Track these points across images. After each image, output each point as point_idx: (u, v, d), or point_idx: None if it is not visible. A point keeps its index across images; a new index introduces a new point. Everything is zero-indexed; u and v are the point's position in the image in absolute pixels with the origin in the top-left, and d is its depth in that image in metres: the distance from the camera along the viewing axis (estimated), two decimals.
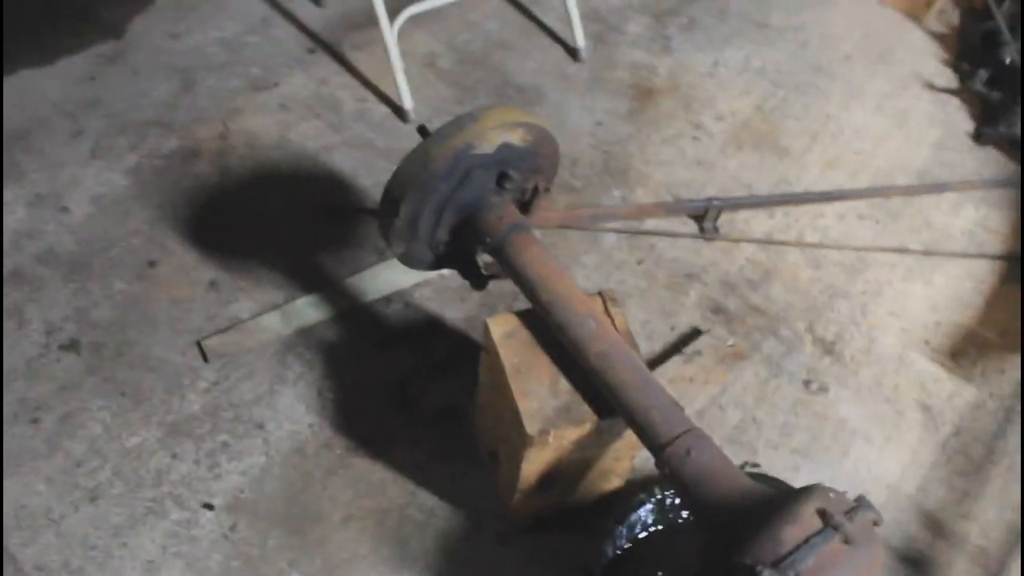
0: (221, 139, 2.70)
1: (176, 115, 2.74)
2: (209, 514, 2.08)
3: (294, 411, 2.23)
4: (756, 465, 2.22)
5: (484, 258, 2.12)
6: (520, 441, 1.79)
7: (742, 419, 2.32)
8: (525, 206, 2.04)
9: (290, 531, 2.07)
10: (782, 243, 2.67)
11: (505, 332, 1.87)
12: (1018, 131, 2.96)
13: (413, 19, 2.78)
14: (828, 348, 2.48)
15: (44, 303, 2.34)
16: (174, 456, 2.15)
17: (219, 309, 2.38)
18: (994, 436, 2.36)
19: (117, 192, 2.56)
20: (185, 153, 2.66)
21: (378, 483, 2.15)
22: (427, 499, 2.13)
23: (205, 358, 2.29)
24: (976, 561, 2.16)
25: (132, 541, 2.03)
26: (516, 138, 1.94)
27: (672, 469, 1.66)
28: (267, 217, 2.56)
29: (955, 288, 2.65)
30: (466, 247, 2.05)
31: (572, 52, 3.03)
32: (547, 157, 2.05)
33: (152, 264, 2.44)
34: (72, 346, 2.29)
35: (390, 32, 2.70)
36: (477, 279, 2.09)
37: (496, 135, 1.91)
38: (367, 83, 2.89)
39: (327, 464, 2.16)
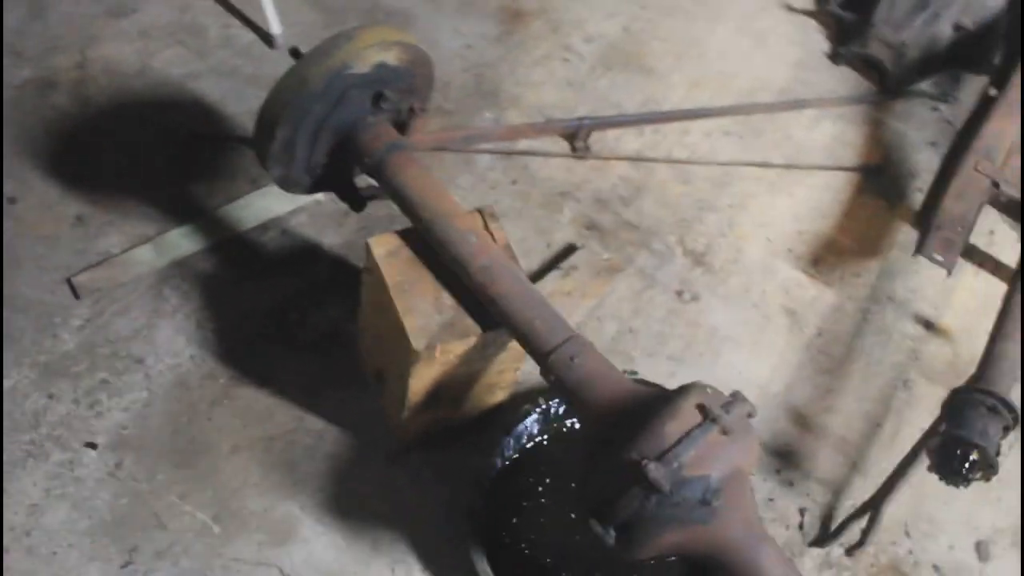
0: (79, 68, 2.59)
1: (27, 43, 2.60)
2: (92, 453, 2.04)
3: (174, 344, 2.20)
4: (634, 373, 2.30)
5: (365, 178, 2.11)
6: (407, 358, 1.81)
7: (619, 330, 2.40)
8: (401, 127, 2.04)
9: (178, 464, 2.05)
10: (652, 160, 2.74)
11: (387, 251, 1.88)
12: (869, 50, 3.08)
13: None
14: (698, 259, 2.57)
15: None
16: (51, 397, 2.09)
17: (87, 244, 2.30)
18: (853, 335, 2.51)
19: None
20: (40, 83, 2.54)
21: (264, 411, 2.14)
22: (315, 423, 2.14)
23: (76, 295, 2.22)
24: (839, 449, 2.31)
25: (12, 486, 1.98)
26: (392, 57, 1.93)
27: (557, 376, 1.71)
28: (133, 148, 2.48)
29: (815, 199, 2.78)
30: (344, 169, 2.05)
31: None
32: (422, 77, 2.05)
33: (12, 201, 2.34)
34: None
35: None
36: (356, 201, 2.09)
37: (372, 55, 1.89)
38: (231, 8, 2.80)
39: (211, 395, 2.14)
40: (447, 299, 1.84)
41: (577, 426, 2.13)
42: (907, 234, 2.72)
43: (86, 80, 2.57)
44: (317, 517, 2.02)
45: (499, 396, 2.12)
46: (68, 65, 2.59)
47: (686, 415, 1.55)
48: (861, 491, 2.20)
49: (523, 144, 2.65)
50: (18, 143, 2.42)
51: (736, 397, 1.60)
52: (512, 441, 2.08)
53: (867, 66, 3.14)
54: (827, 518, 2.21)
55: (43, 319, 2.18)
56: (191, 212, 2.38)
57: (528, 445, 2.12)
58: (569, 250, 2.49)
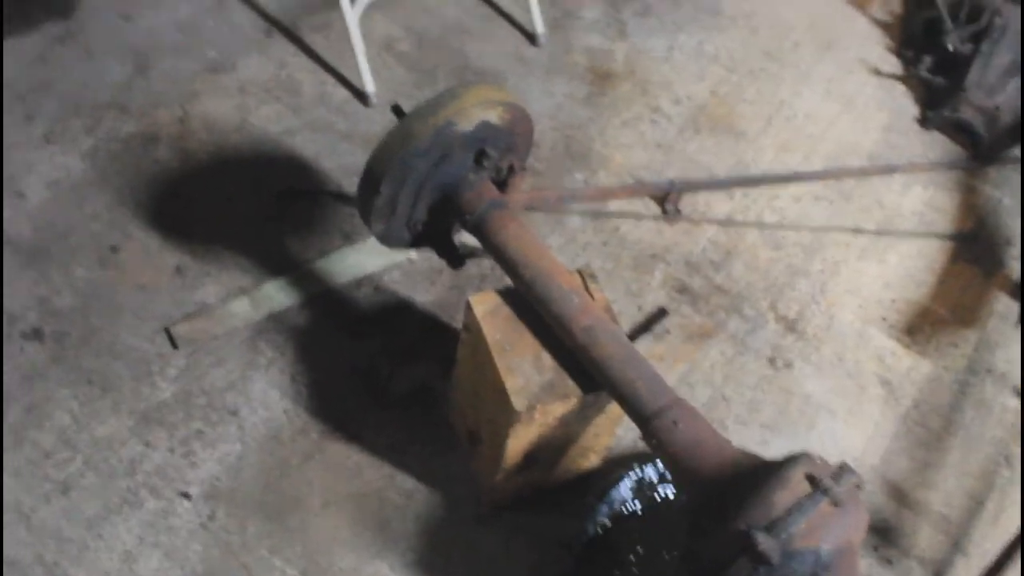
0: (180, 123, 2.65)
1: (132, 98, 2.67)
2: (186, 503, 2.05)
3: (267, 397, 2.21)
4: (728, 441, 2.26)
5: (461, 237, 2.13)
6: (506, 418, 1.80)
7: (711, 396, 2.36)
8: (501, 185, 2.05)
9: (269, 518, 2.05)
10: (742, 224, 2.72)
11: (487, 310, 1.88)
12: (961, 115, 3.05)
13: (372, 2, 2.75)
14: (790, 325, 2.53)
15: (3, 292, 2.28)
16: (147, 445, 2.11)
17: (186, 295, 2.34)
18: (951, 408, 2.45)
19: (74, 177, 2.50)
20: (143, 137, 2.60)
21: (355, 467, 2.14)
22: (405, 481, 2.13)
23: (174, 344, 2.25)
24: (939, 527, 2.24)
25: (107, 532, 1.99)
26: (495, 116, 1.95)
27: (660, 440, 1.69)
28: (231, 201, 2.52)
29: (907, 266, 2.73)
30: (444, 226, 2.06)
31: (530, 37, 3.04)
32: (523, 136, 2.06)
33: (114, 250, 2.39)
34: (35, 335, 2.23)
35: (352, 15, 2.68)
36: (454, 258, 2.09)
37: (476, 113, 1.91)
38: (326, 66, 2.86)
39: (303, 449, 2.15)
40: (547, 359, 1.83)
41: (671, 495, 2.10)
42: (1005, 304, 2.66)
43: (187, 134, 2.63)
44: None
45: (593, 460, 2.10)
46: (170, 120, 2.65)
47: (795, 485, 1.51)
48: (964, 573, 2.12)
49: (613, 205, 2.65)
50: (121, 195, 2.48)
51: (844, 468, 1.56)
52: (605, 507, 2.05)
53: (958, 131, 3.09)
54: None
55: (141, 367, 2.22)
56: (286, 265, 2.41)
57: (621, 512, 2.08)
58: (660, 314, 2.47)
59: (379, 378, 2.27)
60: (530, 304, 1.87)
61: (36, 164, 2.50)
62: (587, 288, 1.91)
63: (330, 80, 2.84)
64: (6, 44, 2.73)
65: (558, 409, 1.81)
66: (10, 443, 2.07)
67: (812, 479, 1.51)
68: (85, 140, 2.57)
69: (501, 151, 2.01)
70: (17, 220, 2.39)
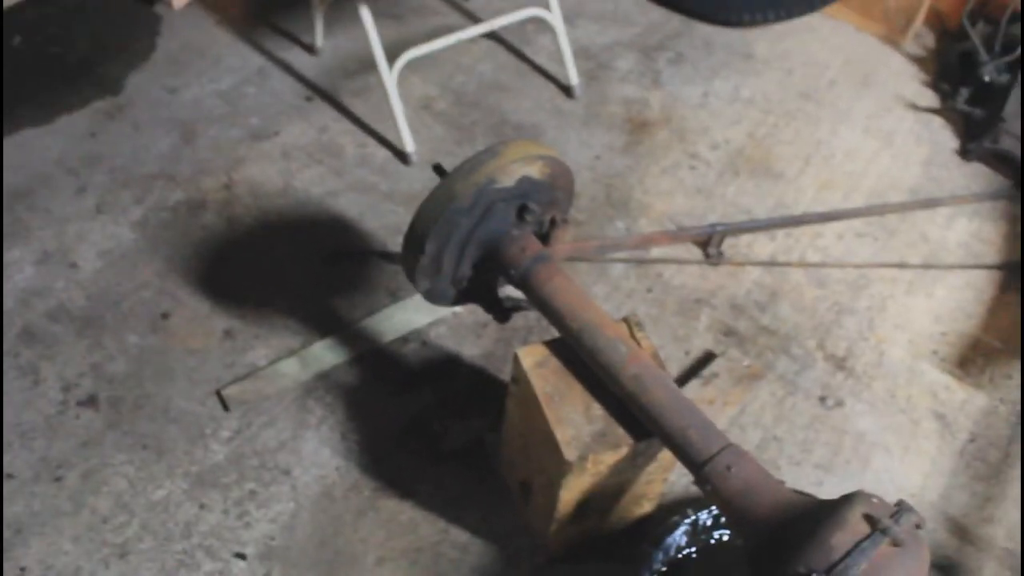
0: (226, 189, 2.71)
1: (179, 167, 2.75)
2: (242, 563, 2.06)
3: (319, 455, 2.23)
4: (782, 482, 2.23)
5: (505, 291, 2.14)
6: (558, 469, 1.80)
7: (763, 438, 2.34)
8: (544, 238, 2.06)
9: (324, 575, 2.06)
10: (786, 264, 2.71)
11: (535, 361, 1.89)
12: (1001, 145, 3.03)
13: (408, 64, 2.81)
14: (840, 364, 2.51)
15: (59, 360, 2.33)
16: (202, 507, 2.13)
17: (236, 357, 2.38)
18: (1009, 440, 2.40)
19: (125, 246, 2.56)
20: (191, 204, 2.67)
21: (409, 522, 2.14)
22: (459, 536, 2.13)
23: (226, 407, 2.28)
24: (1005, 564, 2.19)
25: None
26: (535, 171, 1.97)
27: (714, 486, 1.67)
28: (277, 264, 2.57)
29: (956, 299, 2.70)
30: (488, 281, 2.08)
31: (566, 89, 3.08)
32: (563, 189, 2.08)
33: (165, 316, 2.44)
34: (90, 402, 2.27)
35: (390, 77, 2.73)
36: (500, 312, 2.11)
37: (516, 169, 1.94)
38: (366, 128, 2.92)
39: (356, 506, 2.16)
40: (597, 409, 1.83)
41: (726, 538, 2.08)
42: None
43: (233, 200, 2.69)
44: None
45: (646, 507, 2.08)
46: (216, 186, 2.72)
47: (853, 526, 1.49)
48: None
49: (656, 252, 2.66)
50: (171, 261, 2.54)
51: (903, 507, 1.54)
52: (661, 554, 2.03)
53: (999, 161, 3.07)
54: None
55: (194, 430, 2.25)
56: (333, 325, 2.44)
57: (676, 558, 2.06)
58: (708, 358, 2.46)
59: (430, 433, 2.28)
60: (578, 354, 1.88)
61: (88, 235, 2.57)
62: (634, 336, 1.91)
63: (371, 141, 2.89)
64: (59, 122, 2.82)
65: (610, 458, 1.80)
66: (69, 509, 2.10)
67: (870, 519, 1.50)
68: (135, 210, 2.64)
69: (543, 204, 2.03)
70: (71, 290, 2.46)
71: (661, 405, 1.74)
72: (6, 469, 2.14)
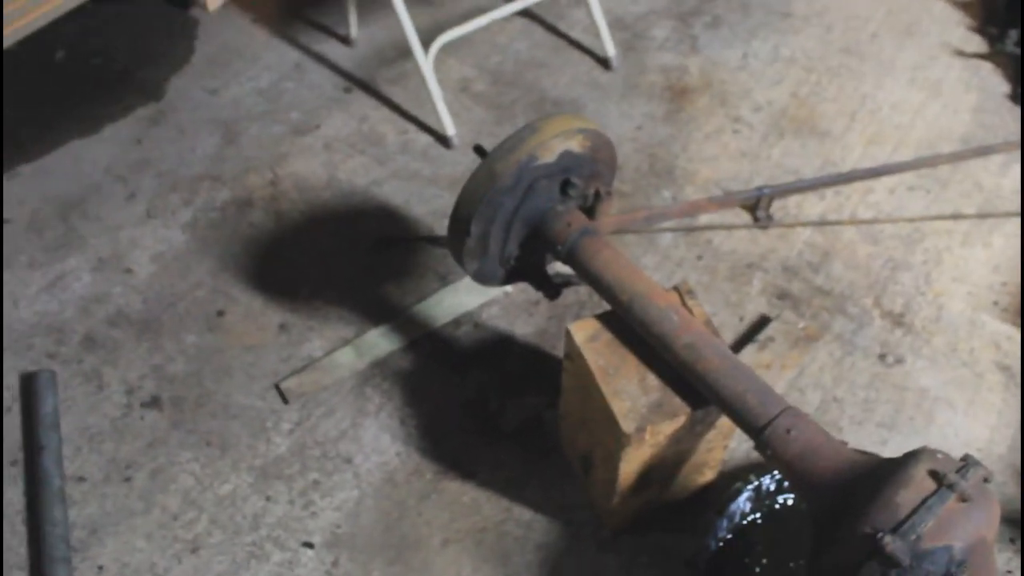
0: (271, 185, 2.74)
1: (224, 167, 2.78)
2: (310, 552, 2.09)
3: (379, 442, 2.25)
4: (844, 443, 2.21)
5: (554, 267, 2.14)
6: (616, 442, 1.79)
7: (823, 399, 2.32)
8: (589, 211, 2.06)
9: (391, 560, 2.08)
10: (837, 223, 2.67)
11: (587, 336, 1.88)
12: None
13: (443, 47, 2.81)
14: (897, 320, 2.47)
15: (120, 364, 2.38)
16: (268, 499, 2.17)
17: (292, 350, 2.40)
18: None
19: (176, 248, 2.60)
20: (238, 203, 2.70)
21: (472, 503, 2.16)
22: (523, 513, 2.14)
23: (285, 400, 2.31)
24: None
25: None
26: (575, 145, 1.96)
27: (774, 450, 1.66)
28: (327, 256, 2.59)
29: (1015, 247, 2.64)
30: (536, 258, 2.07)
31: (603, 62, 3.06)
32: (605, 161, 2.07)
33: (220, 314, 2.47)
34: (153, 403, 2.32)
35: (426, 62, 2.74)
36: (550, 288, 2.11)
37: (556, 144, 1.93)
38: (406, 115, 2.92)
39: (419, 490, 2.18)
40: (652, 379, 1.82)
41: (790, 503, 2.06)
42: None
43: (279, 196, 2.72)
44: None
45: (708, 475, 2.07)
46: (261, 183, 2.74)
47: (919, 483, 1.47)
48: None
49: (704, 219, 2.64)
50: (222, 260, 2.57)
51: (969, 461, 1.51)
52: (725, 521, 2.02)
53: None
54: None
55: (256, 424, 2.28)
56: (386, 313, 2.46)
57: (741, 524, 2.05)
58: (763, 322, 2.44)
59: (488, 413, 2.29)
60: (630, 326, 1.87)
61: (140, 240, 2.62)
62: (685, 304, 1.90)
63: (411, 128, 2.90)
64: (105, 131, 2.87)
65: (668, 428, 1.79)
66: (140, 507, 2.15)
67: (936, 475, 1.47)
68: (184, 212, 2.68)
69: (586, 178, 2.02)
70: (128, 295, 2.50)
71: (716, 372, 1.73)
72: (77, 472, 2.20)
